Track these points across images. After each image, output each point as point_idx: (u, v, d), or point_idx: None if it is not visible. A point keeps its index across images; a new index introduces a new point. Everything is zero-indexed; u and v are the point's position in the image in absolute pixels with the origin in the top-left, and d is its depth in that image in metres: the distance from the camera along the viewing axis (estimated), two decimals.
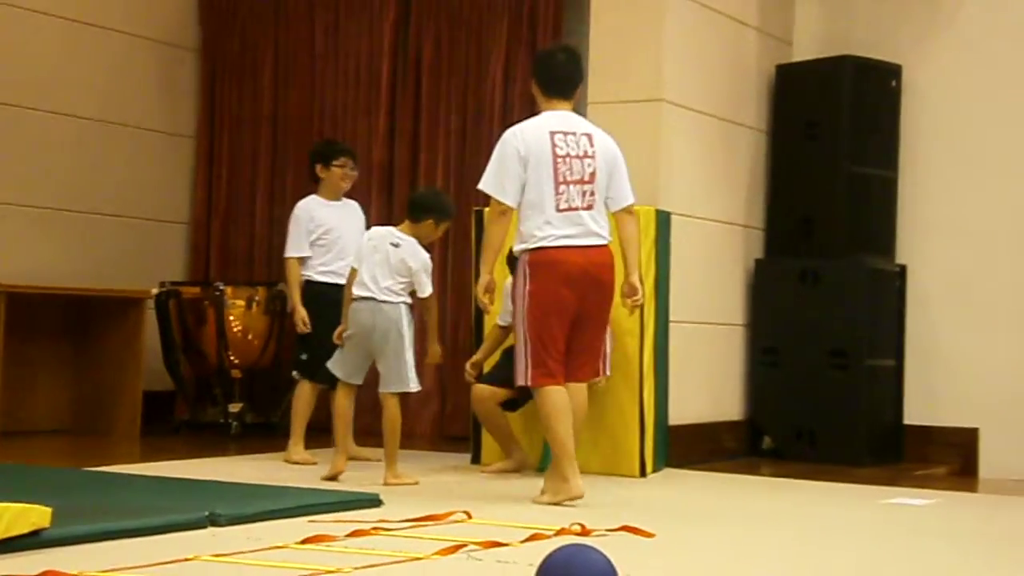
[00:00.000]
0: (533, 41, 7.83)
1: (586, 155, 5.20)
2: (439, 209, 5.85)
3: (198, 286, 8.12)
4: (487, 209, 5.36)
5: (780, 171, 7.69)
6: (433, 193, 6.28)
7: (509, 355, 6.27)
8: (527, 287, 5.12)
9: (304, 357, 6.40)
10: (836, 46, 7.64)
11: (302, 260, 6.49)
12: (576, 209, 5.14)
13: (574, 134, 5.21)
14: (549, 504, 5.06)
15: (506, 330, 6.30)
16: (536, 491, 5.65)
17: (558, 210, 5.12)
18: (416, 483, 5.60)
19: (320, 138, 8.45)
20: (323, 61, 8.54)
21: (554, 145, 5.15)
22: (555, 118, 5.24)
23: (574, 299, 5.12)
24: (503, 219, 5.18)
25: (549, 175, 5.13)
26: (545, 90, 5.32)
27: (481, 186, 5.23)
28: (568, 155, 5.16)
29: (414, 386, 5.73)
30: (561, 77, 5.33)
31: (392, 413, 5.69)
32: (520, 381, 5.20)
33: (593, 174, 5.19)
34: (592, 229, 5.16)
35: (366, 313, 5.65)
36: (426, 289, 5.72)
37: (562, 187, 5.13)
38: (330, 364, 5.79)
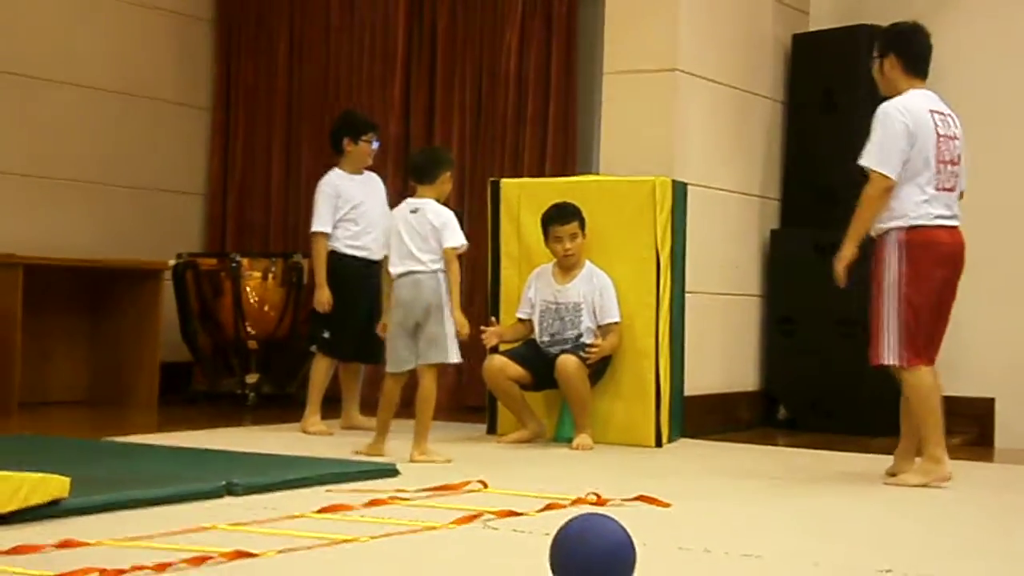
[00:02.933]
0: (548, 12, 7.80)
1: (955, 136, 5.19)
2: (447, 159, 5.76)
3: (215, 257, 8.14)
4: (867, 185, 5.11)
5: (796, 141, 7.66)
6: (431, 149, 6.15)
7: (532, 343, 6.29)
8: (902, 266, 5.07)
9: (327, 335, 6.37)
10: (852, 15, 7.60)
11: (327, 235, 6.43)
12: (948, 190, 5.14)
13: (944, 115, 5.18)
14: (917, 485, 5.00)
15: (527, 323, 6.31)
16: (554, 460, 5.67)
17: (936, 189, 5.10)
18: (449, 461, 5.38)
19: (335, 110, 8.46)
20: (338, 33, 8.53)
21: (935, 124, 5.13)
22: (927, 97, 5.19)
23: (941, 280, 5.12)
24: (887, 195, 5.07)
25: (932, 154, 5.10)
26: (909, 67, 5.22)
27: (865, 162, 5.09)
28: (944, 135, 5.14)
29: (454, 358, 5.54)
30: (923, 55, 5.26)
31: (427, 387, 5.50)
32: (886, 360, 5.09)
33: (959, 156, 5.19)
34: (955, 211, 5.17)
35: (405, 288, 5.48)
36: (450, 239, 5.47)
37: (940, 166, 5.11)
38: (388, 367, 5.60)
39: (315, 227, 6.44)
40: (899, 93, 5.20)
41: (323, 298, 6.34)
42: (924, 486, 5.01)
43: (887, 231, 5.10)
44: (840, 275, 5.19)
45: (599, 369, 6.17)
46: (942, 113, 5.18)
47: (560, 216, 6.19)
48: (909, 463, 5.21)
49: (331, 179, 6.51)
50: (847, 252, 5.13)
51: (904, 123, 5.08)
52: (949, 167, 5.15)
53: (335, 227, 6.41)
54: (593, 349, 6.08)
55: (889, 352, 5.08)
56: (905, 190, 5.07)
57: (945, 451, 5.10)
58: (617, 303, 6.18)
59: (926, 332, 5.11)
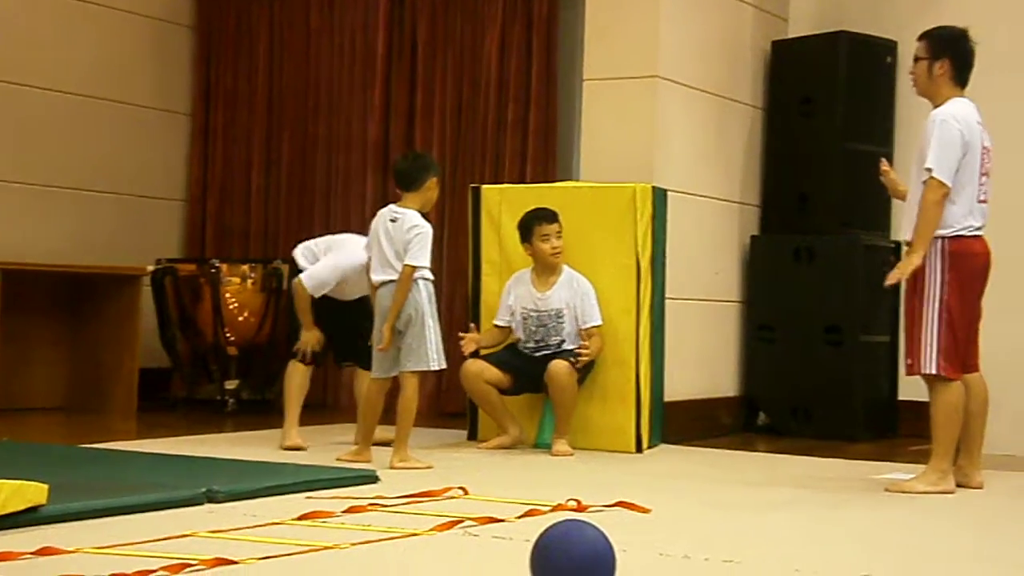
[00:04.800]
0: (529, 15, 7.81)
1: (989, 149, 5.21)
2: (432, 166, 5.68)
3: (194, 263, 8.11)
4: (927, 191, 5.03)
5: (775, 148, 7.69)
6: (416, 155, 6.06)
7: (512, 347, 6.29)
8: (946, 274, 5.05)
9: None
10: (831, 22, 7.63)
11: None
12: (983, 202, 5.16)
13: (982, 126, 5.19)
14: (923, 493, 5.01)
15: (504, 330, 6.31)
16: (534, 466, 5.68)
17: (978, 201, 5.13)
18: (430, 467, 5.38)
19: (316, 114, 8.46)
20: (318, 36, 8.52)
21: (981, 136, 5.14)
22: (972, 108, 5.19)
23: (979, 291, 5.16)
24: (945, 201, 5.04)
25: (976, 165, 5.11)
26: (958, 76, 5.21)
27: (936, 173, 5.01)
28: (985, 147, 5.16)
29: (436, 364, 5.49)
30: (971, 65, 5.25)
31: (409, 394, 5.47)
32: (926, 369, 5.06)
33: (990, 169, 5.21)
34: (985, 223, 5.18)
35: (384, 296, 5.46)
36: (412, 258, 5.39)
37: (982, 178, 5.14)
38: (373, 373, 5.57)
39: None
40: (939, 98, 5.20)
41: (311, 340, 6.06)
42: (928, 494, 5.02)
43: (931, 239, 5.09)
44: (902, 276, 5.10)
45: (583, 374, 6.18)
46: (981, 124, 5.20)
47: (546, 215, 6.20)
48: (974, 469, 5.23)
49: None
50: (917, 259, 5.04)
51: (960, 131, 5.09)
52: (984, 178, 5.18)
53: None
54: (583, 354, 6.08)
55: (929, 362, 5.08)
56: (952, 199, 5.08)
57: (951, 467, 5.12)
58: (598, 306, 6.19)
59: (963, 342, 5.13)
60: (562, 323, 6.19)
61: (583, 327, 6.17)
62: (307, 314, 5.99)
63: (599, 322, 6.18)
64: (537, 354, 6.20)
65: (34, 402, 7.70)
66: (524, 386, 6.25)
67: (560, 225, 6.20)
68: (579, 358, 6.08)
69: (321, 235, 6.49)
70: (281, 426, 6.09)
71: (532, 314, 6.23)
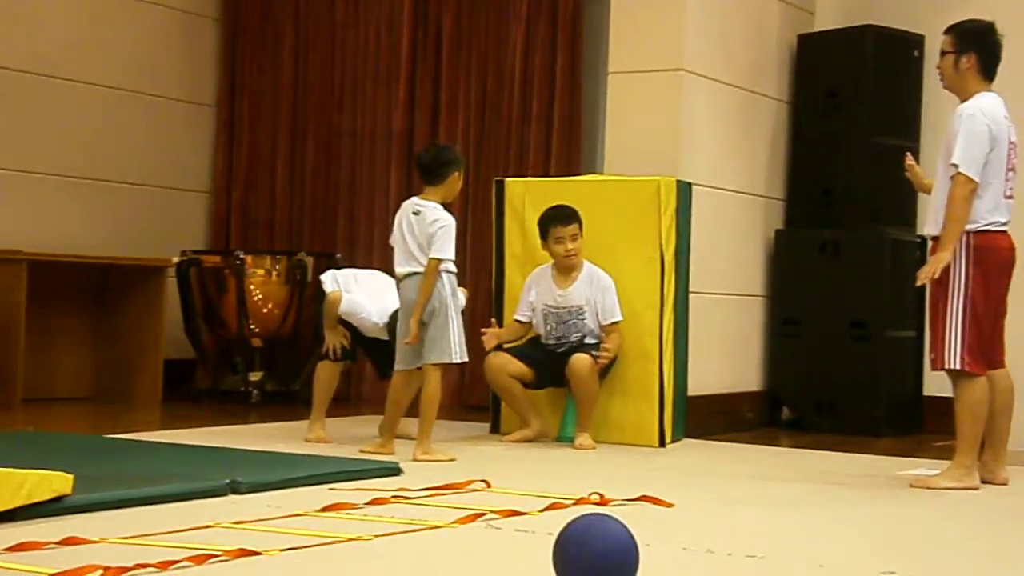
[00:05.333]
0: (554, 10, 7.80)
1: (1016, 144, 5.18)
2: (455, 159, 5.65)
3: (219, 255, 8.14)
4: (955, 187, 5.00)
5: (801, 142, 7.66)
6: (439, 148, 6.04)
7: (535, 341, 6.29)
8: (971, 269, 5.03)
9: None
10: (858, 15, 7.59)
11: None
12: (1009, 197, 5.14)
13: (1009, 121, 5.16)
14: (947, 489, 4.99)
15: (525, 325, 6.31)
16: (557, 460, 5.68)
17: (1004, 196, 5.11)
18: (453, 460, 5.39)
19: (340, 107, 8.47)
20: (343, 30, 8.53)
21: (1008, 131, 5.12)
22: (999, 102, 5.16)
23: (1004, 286, 5.14)
24: (973, 196, 5.02)
25: (1003, 159, 5.09)
26: (985, 70, 5.17)
27: (964, 169, 4.99)
28: (1012, 142, 5.14)
29: (458, 357, 5.49)
30: (998, 59, 5.22)
31: (431, 386, 5.48)
32: (950, 364, 5.03)
33: (1016, 165, 5.18)
34: (1010, 218, 5.16)
35: (407, 288, 5.48)
36: (437, 250, 5.42)
37: (1009, 173, 5.12)
38: (396, 365, 5.58)
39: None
40: (966, 92, 5.16)
41: (335, 339, 6.05)
42: (951, 490, 5.00)
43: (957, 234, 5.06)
44: (927, 277, 5.06)
45: (605, 369, 6.17)
46: (1007, 119, 5.17)
47: (561, 217, 6.18)
48: (999, 466, 5.20)
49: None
50: (946, 256, 5.01)
51: (987, 126, 5.05)
52: (1011, 174, 5.15)
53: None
54: (604, 354, 6.07)
55: (952, 357, 5.04)
56: (978, 194, 5.05)
57: (976, 463, 5.09)
58: (619, 302, 6.18)
59: (988, 337, 5.10)
60: (583, 319, 6.18)
61: (603, 323, 6.16)
62: (333, 319, 6.00)
63: (619, 318, 6.17)
64: (559, 349, 6.20)
65: (60, 392, 7.74)
66: (547, 380, 6.25)
67: (578, 225, 6.15)
68: (601, 356, 6.07)
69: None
70: (305, 418, 6.11)
71: (552, 310, 6.23)
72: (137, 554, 3.20)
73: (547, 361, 6.19)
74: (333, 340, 6.02)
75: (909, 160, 5.51)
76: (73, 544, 3.33)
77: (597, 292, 6.17)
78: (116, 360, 7.89)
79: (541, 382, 6.27)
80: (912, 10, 7.56)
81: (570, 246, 6.14)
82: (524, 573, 3.27)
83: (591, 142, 7.71)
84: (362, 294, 6.00)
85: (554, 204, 6.25)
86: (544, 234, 6.21)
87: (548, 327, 6.25)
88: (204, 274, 7.99)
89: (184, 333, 8.09)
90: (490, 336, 6.24)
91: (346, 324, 6.02)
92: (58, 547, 3.30)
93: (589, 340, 6.17)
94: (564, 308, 6.21)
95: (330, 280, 6.10)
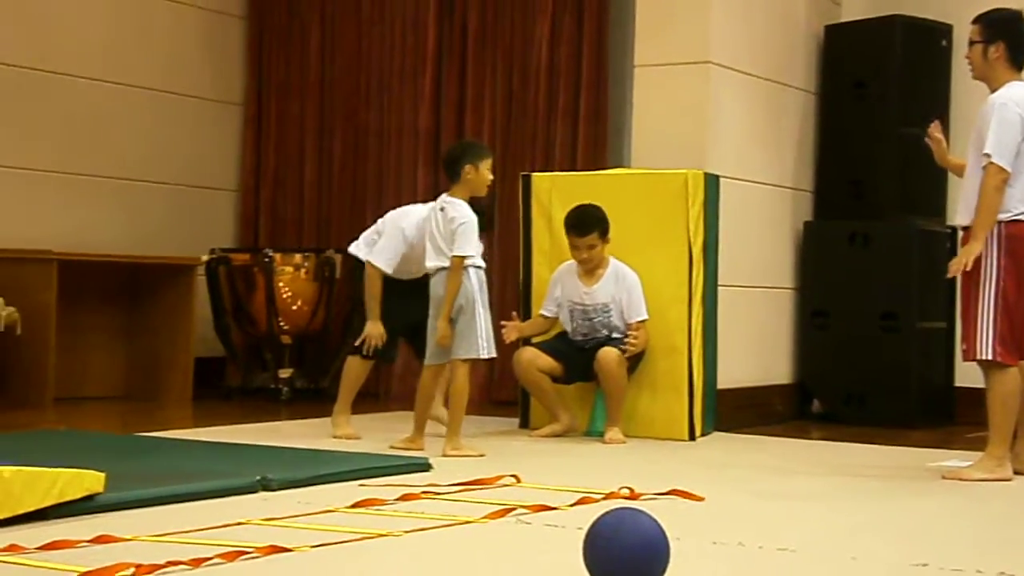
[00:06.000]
0: (579, 4, 7.79)
1: None
2: (467, 153, 5.61)
3: (248, 253, 8.16)
4: (987, 177, 4.98)
5: (829, 133, 7.63)
6: (453, 146, 5.99)
7: (563, 335, 6.28)
8: (1003, 259, 5.00)
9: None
10: (885, 5, 7.56)
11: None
12: None
13: None
14: (980, 480, 4.97)
15: (550, 320, 6.30)
16: (587, 454, 5.67)
17: None
18: (482, 455, 5.39)
19: (367, 103, 8.49)
20: (369, 26, 8.54)
21: None
22: None
23: None
24: (1005, 186, 4.98)
25: None
26: (1014, 59, 5.13)
27: (996, 158, 4.96)
28: None
29: (485, 352, 5.49)
30: None
31: (460, 382, 5.48)
32: (981, 355, 5.00)
33: None
34: None
35: (437, 284, 5.50)
36: (458, 248, 5.41)
37: None
38: (426, 360, 5.57)
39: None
40: (996, 81, 5.13)
41: (375, 333, 5.93)
42: (984, 481, 4.97)
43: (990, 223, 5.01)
44: (963, 266, 5.01)
45: (632, 365, 6.16)
46: None
47: (578, 226, 6.13)
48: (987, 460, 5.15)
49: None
50: (978, 247, 4.98)
51: (1019, 115, 5.01)
52: None
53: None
54: (631, 341, 6.06)
55: (984, 347, 5.01)
56: (1009, 183, 5.01)
57: (1008, 454, 5.06)
58: (644, 300, 6.16)
59: (1020, 328, 5.05)
60: (609, 316, 6.17)
61: (628, 322, 6.15)
62: (376, 302, 5.86)
63: (645, 317, 6.15)
64: (587, 345, 6.19)
65: (91, 391, 7.78)
66: (576, 375, 6.24)
67: (599, 232, 6.09)
68: (627, 347, 6.06)
69: (372, 224, 6.42)
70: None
71: (579, 307, 6.22)
72: (168, 552, 3.21)
73: (576, 356, 6.19)
74: (373, 332, 5.89)
75: (936, 130, 5.42)
76: (105, 542, 3.35)
77: (622, 291, 6.16)
78: (147, 359, 7.92)
79: (570, 377, 6.26)
80: (939, 0, 7.51)
81: (584, 256, 6.12)
82: (554, 568, 3.27)
83: (618, 136, 7.70)
84: (392, 240, 5.90)
85: (579, 204, 6.22)
86: (566, 234, 6.20)
87: (575, 324, 6.24)
88: (233, 272, 8.01)
89: (214, 331, 8.12)
90: (511, 329, 6.24)
91: (393, 307, 5.91)
92: (90, 545, 3.32)
93: (616, 336, 6.16)
94: (590, 306, 6.20)
95: (364, 248, 5.98)
